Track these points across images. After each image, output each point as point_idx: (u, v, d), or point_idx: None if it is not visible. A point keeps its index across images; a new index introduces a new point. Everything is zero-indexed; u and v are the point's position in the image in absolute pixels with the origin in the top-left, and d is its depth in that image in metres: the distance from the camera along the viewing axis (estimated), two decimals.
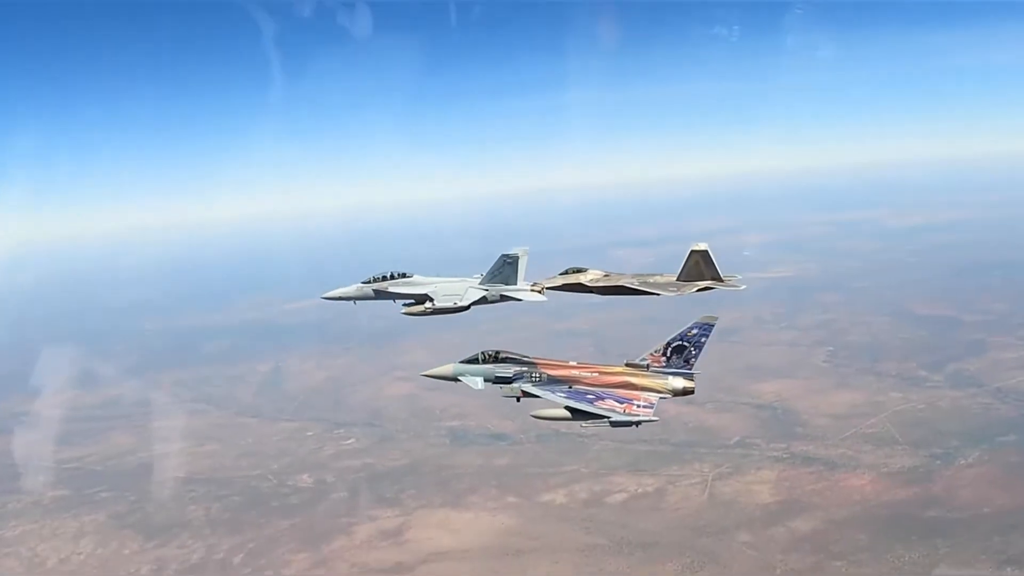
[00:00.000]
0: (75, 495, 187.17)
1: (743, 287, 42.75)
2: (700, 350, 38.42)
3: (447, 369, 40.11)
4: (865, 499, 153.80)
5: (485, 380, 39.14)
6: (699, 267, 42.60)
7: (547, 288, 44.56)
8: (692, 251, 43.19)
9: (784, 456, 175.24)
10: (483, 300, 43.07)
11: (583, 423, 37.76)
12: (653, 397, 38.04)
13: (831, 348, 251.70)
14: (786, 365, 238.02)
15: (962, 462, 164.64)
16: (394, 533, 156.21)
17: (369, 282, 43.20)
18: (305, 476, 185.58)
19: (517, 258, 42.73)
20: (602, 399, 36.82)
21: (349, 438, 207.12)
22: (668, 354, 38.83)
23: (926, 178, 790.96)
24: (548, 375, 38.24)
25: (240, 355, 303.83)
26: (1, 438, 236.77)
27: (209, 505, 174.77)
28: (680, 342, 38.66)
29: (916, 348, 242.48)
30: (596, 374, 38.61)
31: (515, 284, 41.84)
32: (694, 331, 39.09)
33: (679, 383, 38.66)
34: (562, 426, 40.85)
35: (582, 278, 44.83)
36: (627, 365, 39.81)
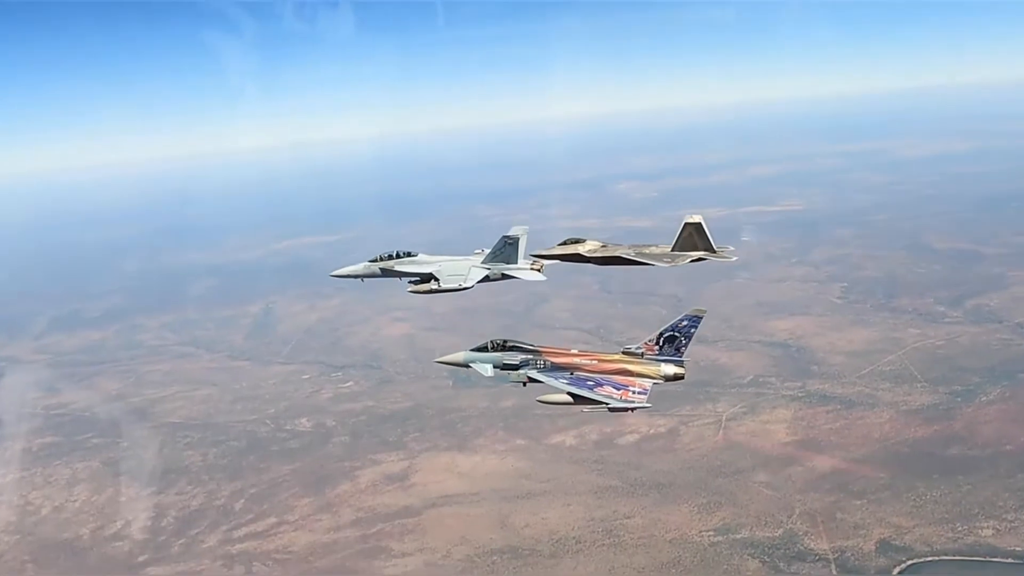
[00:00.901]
0: (65, 442, 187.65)
1: (735, 259, 45.58)
2: (690, 340, 42.30)
3: (459, 356, 44.09)
4: (885, 437, 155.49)
5: (494, 367, 43.17)
6: (692, 239, 45.33)
7: (546, 257, 47.31)
8: (686, 223, 45.68)
9: (800, 395, 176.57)
10: (485, 279, 46.20)
11: (584, 408, 41.65)
12: (647, 383, 41.68)
13: (845, 284, 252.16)
14: (799, 302, 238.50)
15: (983, 399, 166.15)
16: (400, 477, 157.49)
17: (376, 260, 46.83)
18: (304, 420, 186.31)
19: (517, 239, 45.54)
20: (601, 385, 40.70)
21: (347, 381, 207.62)
22: (660, 343, 42.36)
23: (942, 106, 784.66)
24: (551, 362, 42.33)
25: (229, 296, 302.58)
26: None
27: (206, 451, 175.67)
28: (672, 332, 42.25)
29: (933, 283, 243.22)
30: (595, 361, 42.33)
31: (516, 263, 45.01)
32: (684, 323, 42.84)
33: (671, 369, 42.59)
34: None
35: (580, 248, 47.56)
36: (624, 353, 43.15)
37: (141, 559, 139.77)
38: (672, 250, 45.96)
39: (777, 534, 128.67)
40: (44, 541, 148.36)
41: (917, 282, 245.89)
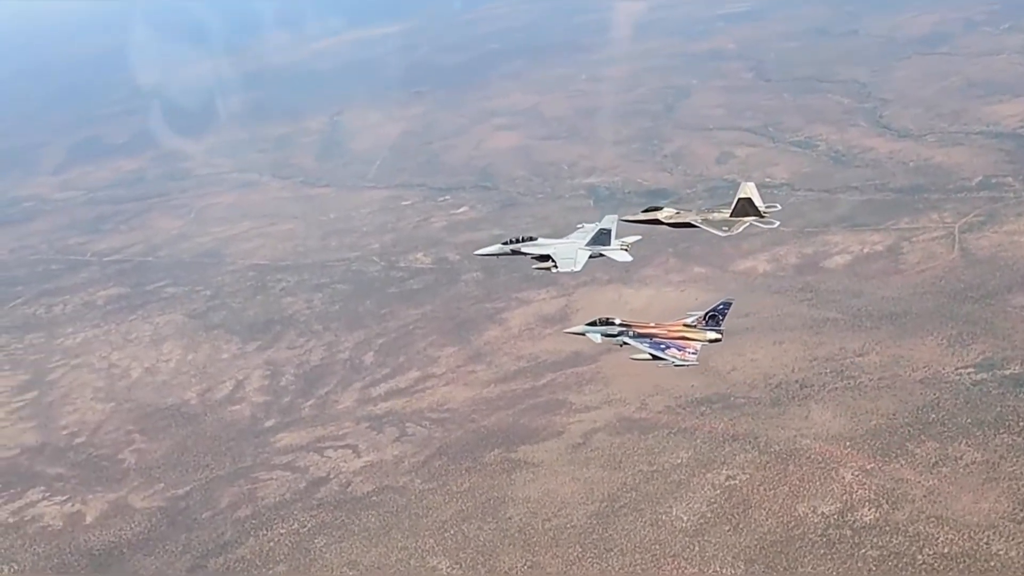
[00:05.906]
0: (133, 293, 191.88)
1: (776, 223, 60.53)
2: (724, 317, 65.28)
3: (578, 328, 66.46)
4: None
5: (602, 336, 64.58)
6: (745, 208, 60.08)
7: (631, 222, 64.25)
8: (739, 198, 60.09)
9: None
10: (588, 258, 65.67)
11: (659, 364, 64.11)
12: (698, 345, 64.85)
13: None
14: (1022, 79, 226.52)
15: None
16: (558, 318, 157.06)
17: (507, 243, 65.43)
18: (420, 255, 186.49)
19: (610, 230, 64.02)
20: (669, 348, 64.65)
21: (460, 205, 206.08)
22: (706, 319, 65.01)
23: None
24: (637, 332, 65.02)
25: (277, 110, 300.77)
26: (8, 228, 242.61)
27: (309, 296, 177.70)
28: (712, 313, 64.99)
29: None
30: (665, 331, 65.41)
31: (609, 244, 63.99)
32: (720, 306, 65.37)
33: (712, 335, 65.26)
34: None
35: (659, 215, 63.63)
36: (684, 325, 65.52)
37: (268, 424, 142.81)
38: (730, 216, 60.69)
39: None
40: (145, 408, 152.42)
41: None
